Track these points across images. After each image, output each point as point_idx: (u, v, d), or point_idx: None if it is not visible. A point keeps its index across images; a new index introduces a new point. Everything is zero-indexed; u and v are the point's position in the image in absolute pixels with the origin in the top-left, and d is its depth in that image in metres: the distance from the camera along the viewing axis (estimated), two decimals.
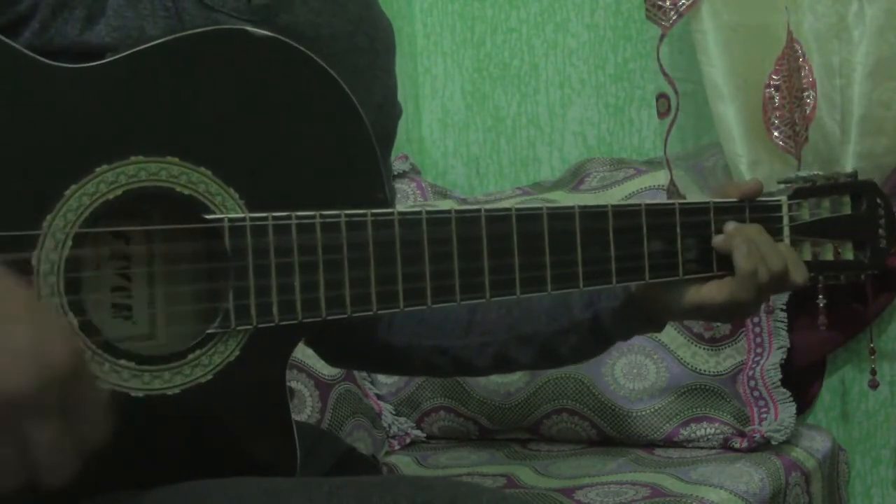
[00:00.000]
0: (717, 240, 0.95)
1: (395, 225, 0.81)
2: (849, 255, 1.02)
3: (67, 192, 0.74)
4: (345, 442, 1.09)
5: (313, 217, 0.79)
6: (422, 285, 0.82)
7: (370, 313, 0.81)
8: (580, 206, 0.89)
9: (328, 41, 0.92)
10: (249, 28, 0.81)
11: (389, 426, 1.68)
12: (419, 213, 0.83)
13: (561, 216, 0.88)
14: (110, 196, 0.75)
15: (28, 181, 0.73)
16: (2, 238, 0.72)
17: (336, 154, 0.83)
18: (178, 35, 0.78)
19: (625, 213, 0.91)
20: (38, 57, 0.74)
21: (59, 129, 0.75)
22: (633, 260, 0.92)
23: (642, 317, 0.98)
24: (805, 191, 1.00)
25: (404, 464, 1.59)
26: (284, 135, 0.81)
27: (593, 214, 0.89)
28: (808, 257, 1.00)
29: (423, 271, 0.82)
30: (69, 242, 0.74)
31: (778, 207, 0.99)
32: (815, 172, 1.03)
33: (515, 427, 1.66)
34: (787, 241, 0.98)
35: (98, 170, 0.75)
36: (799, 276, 0.95)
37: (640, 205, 0.92)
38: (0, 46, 0.73)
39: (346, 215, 0.80)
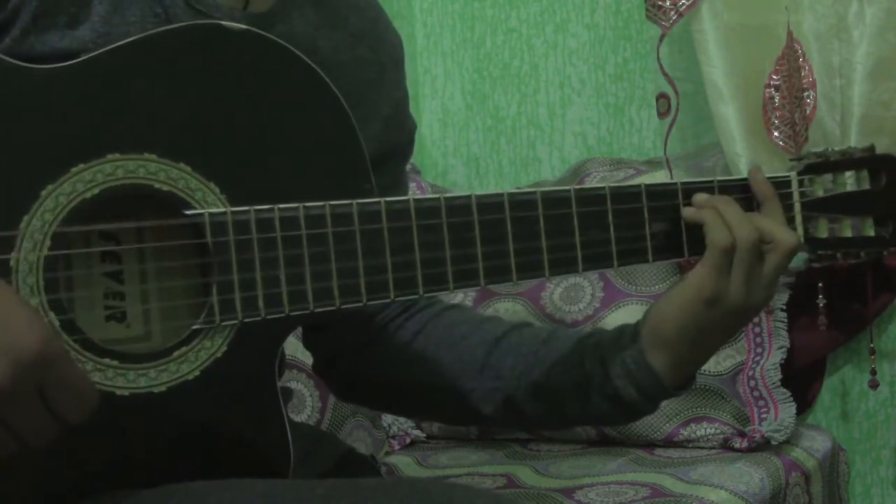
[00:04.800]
0: (688, 212, 0.90)
1: (382, 214, 0.80)
2: (869, 231, 0.97)
3: (44, 193, 0.73)
4: (344, 443, 1.07)
5: (297, 209, 0.78)
6: (412, 274, 0.81)
7: (360, 304, 0.80)
8: (576, 190, 0.87)
9: (328, 54, 0.91)
10: (224, 22, 0.79)
11: (389, 426, 1.68)
12: (407, 201, 0.81)
13: (554, 201, 0.86)
14: (88, 195, 0.74)
15: (2, 183, 0.73)
16: None
17: (319, 145, 0.82)
18: (152, 31, 0.77)
19: (625, 196, 0.89)
20: (8, 58, 0.74)
21: (33, 129, 0.74)
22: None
23: (650, 351, 0.90)
24: (817, 166, 0.97)
25: (404, 464, 1.59)
26: (265, 127, 0.80)
27: (589, 198, 0.87)
28: (825, 234, 0.96)
29: (414, 260, 0.81)
30: (47, 242, 0.73)
31: (787, 183, 0.95)
32: (829, 148, 0.99)
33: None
34: (798, 217, 0.95)
35: (74, 169, 0.74)
36: (787, 236, 0.89)
37: (639, 186, 0.89)
38: None
39: (331, 206, 0.79)
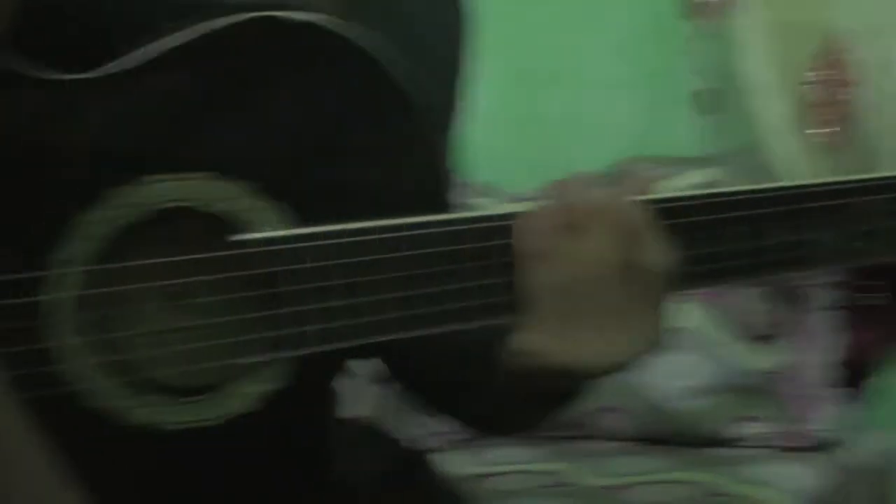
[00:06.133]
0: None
1: (463, 235, 0.69)
2: None
3: (79, 221, 0.66)
4: (396, 435, 1.05)
5: (367, 230, 0.68)
6: (496, 300, 0.70)
7: (428, 332, 0.70)
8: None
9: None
10: (279, 14, 0.68)
11: (438, 421, 1.67)
12: (494, 217, 0.70)
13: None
14: (127, 221, 0.67)
15: (33, 213, 0.66)
16: (11, 281, 0.64)
17: (391, 151, 0.72)
18: (198, 32, 0.67)
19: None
20: (39, 69, 0.65)
21: (65, 151, 0.66)
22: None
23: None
24: None
25: (453, 460, 1.58)
26: (330, 134, 0.70)
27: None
28: None
29: (498, 283, 0.70)
30: (84, 276, 0.66)
31: None
32: None
33: (564, 424, 1.65)
34: None
35: (112, 193, 0.66)
36: (656, 256, 0.70)
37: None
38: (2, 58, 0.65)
39: (404, 227, 0.68)
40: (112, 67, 0.67)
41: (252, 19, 0.68)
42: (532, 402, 0.78)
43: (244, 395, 0.70)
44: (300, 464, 0.74)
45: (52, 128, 0.66)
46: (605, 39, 1.94)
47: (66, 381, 0.67)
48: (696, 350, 1.59)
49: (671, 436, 1.60)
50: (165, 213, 0.68)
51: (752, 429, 1.57)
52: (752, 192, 0.74)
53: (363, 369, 1.32)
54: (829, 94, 1.63)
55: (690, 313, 1.59)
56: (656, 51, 1.90)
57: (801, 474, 1.42)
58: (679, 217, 0.72)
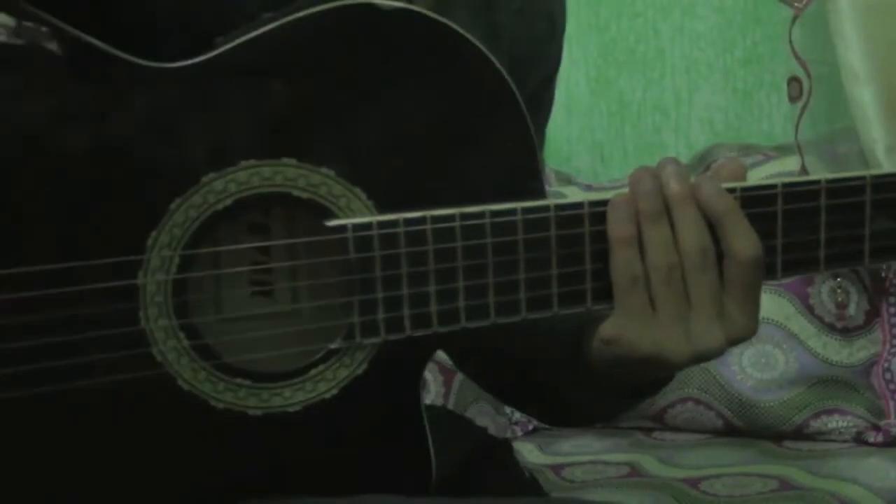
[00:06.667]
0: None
1: (550, 222, 0.70)
2: None
3: (172, 207, 0.67)
4: (475, 424, 1.05)
5: (453, 218, 0.69)
6: (581, 287, 0.71)
7: (518, 319, 0.71)
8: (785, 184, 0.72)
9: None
10: (377, 1, 0.69)
11: (512, 412, 1.68)
12: (580, 204, 0.71)
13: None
14: (219, 207, 0.68)
15: (129, 199, 0.68)
16: (105, 265, 0.67)
17: (481, 139, 0.72)
18: (289, 18, 0.68)
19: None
20: (131, 58, 0.67)
21: (159, 138, 0.68)
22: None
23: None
24: None
25: (527, 450, 1.59)
26: (420, 123, 0.71)
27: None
28: None
29: (584, 270, 0.71)
30: (176, 261, 0.68)
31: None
32: None
33: (640, 415, 1.64)
34: None
35: (205, 179, 0.68)
36: (744, 244, 0.70)
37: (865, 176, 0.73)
38: (91, 49, 0.67)
39: (492, 213, 0.70)
40: (208, 55, 0.69)
41: (349, 5, 0.69)
42: (612, 392, 0.78)
43: (329, 381, 0.72)
44: (385, 449, 0.75)
45: (152, 115, 0.68)
46: (699, 24, 1.91)
47: (158, 364, 0.69)
48: (779, 341, 1.57)
49: (752, 428, 1.58)
50: (261, 198, 0.70)
51: (835, 423, 1.54)
52: (845, 179, 0.73)
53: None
54: None
55: (775, 304, 1.57)
56: (751, 36, 1.87)
57: (885, 469, 1.39)
58: (769, 205, 0.72)
